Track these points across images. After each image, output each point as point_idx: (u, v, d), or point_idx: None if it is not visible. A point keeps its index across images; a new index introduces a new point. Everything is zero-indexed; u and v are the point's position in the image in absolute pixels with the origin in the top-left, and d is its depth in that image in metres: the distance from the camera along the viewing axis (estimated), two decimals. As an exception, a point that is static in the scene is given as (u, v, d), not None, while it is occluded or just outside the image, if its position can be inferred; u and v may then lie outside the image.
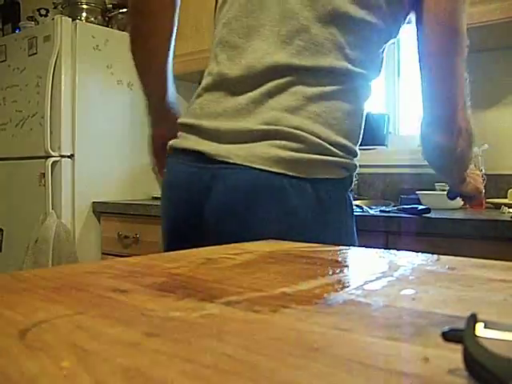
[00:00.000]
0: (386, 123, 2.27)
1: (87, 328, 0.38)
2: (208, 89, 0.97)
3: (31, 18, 2.83)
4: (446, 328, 0.31)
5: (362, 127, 1.00)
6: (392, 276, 0.58)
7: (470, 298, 0.48)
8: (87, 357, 0.32)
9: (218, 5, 1.09)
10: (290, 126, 0.88)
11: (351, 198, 1.03)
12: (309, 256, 0.73)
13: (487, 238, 1.37)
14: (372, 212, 1.57)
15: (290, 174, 0.87)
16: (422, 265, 0.66)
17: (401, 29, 1.12)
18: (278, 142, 0.87)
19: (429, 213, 1.49)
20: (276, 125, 0.87)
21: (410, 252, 0.76)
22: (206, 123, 0.93)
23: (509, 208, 1.56)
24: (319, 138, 0.90)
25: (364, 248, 0.83)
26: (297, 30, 0.91)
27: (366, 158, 2.24)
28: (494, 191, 1.95)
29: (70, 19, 2.36)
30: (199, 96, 0.99)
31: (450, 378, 0.29)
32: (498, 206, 1.68)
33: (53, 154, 2.26)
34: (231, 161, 0.87)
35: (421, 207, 1.52)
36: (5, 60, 2.59)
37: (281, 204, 0.87)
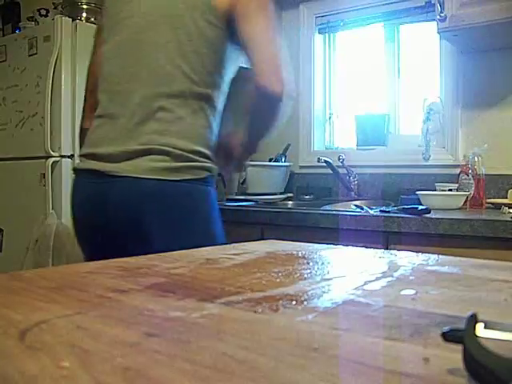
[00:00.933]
0: (386, 123, 2.28)
1: (87, 328, 0.38)
2: (98, 125, 1.30)
3: (31, 18, 2.83)
4: (446, 328, 0.31)
5: (214, 137, 1.30)
6: (392, 276, 0.58)
7: (470, 298, 0.48)
8: (87, 357, 0.32)
9: (99, 41, 1.40)
10: (159, 144, 1.20)
11: (213, 193, 1.29)
12: (309, 256, 0.73)
13: (487, 238, 1.37)
14: (372, 212, 1.57)
15: (164, 178, 1.18)
16: (422, 265, 0.66)
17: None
18: (152, 156, 1.20)
19: (429, 213, 1.49)
20: (149, 144, 1.20)
21: (410, 252, 0.76)
22: (100, 150, 1.25)
23: (509, 208, 1.56)
24: (181, 150, 1.21)
25: (364, 248, 0.83)
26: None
27: (365, 158, 2.25)
28: (494, 191, 1.96)
29: (70, 19, 2.36)
30: (92, 132, 1.31)
31: (450, 378, 0.29)
32: (497, 206, 1.68)
33: (53, 153, 2.26)
34: (122, 174, 1.19)
35: (421, 207, 1.52)
36: (5, 60, 2.58)
37: (160, 200, 1.19)
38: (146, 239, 1.17)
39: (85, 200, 1.27)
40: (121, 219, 1.19)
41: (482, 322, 0.31)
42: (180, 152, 1.20)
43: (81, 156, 1.32)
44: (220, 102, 1.32)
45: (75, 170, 1.33)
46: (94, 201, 1.23)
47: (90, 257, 1.27)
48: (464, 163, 1.86)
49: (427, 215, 1.48)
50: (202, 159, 1.24)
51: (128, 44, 1.29)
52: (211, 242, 1.09)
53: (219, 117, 1.33)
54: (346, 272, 0.63)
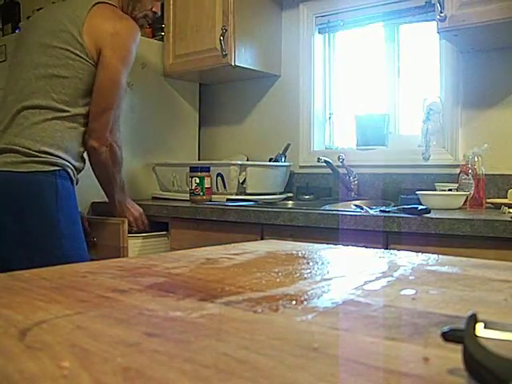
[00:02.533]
0: (386, 123, 2.27)
1: (87, 328, 0.38)
2: None
3: (31, 18, 2.83)
4: (446, 328, 0.31)
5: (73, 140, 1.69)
6: (392, 276, 0.58)
7: (470, 297, 0.48)
8: (87, 357, 0.32)
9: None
10: (13, 144, 1.59)
11: (63, 184, 1.62)
12: (309, 256, 0.73)
13: (487, 238, 1.37)
14: (372, 212, 1.57)
15: (12, 170, 1.55)
16: (422, 265, 0.66)
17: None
18: (6, 154, 1.58)
19: (429, 213, 1.48)
20: (6, 145, 1.59)
21: (410, 252, 0.76)
22: None
23: (509, 208, 1.56)
24: (28, 148, 1.57)
25: (364, 248, 0.83)
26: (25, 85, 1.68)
27: (365, 158, 2.25)
28: (493, 191, 1.95)
29: (70, 19, 2.36)
30: None
31: (450, 378, 0.29)
32: (497, 206, 1.68)
33: (53, 154, 2.27)
34: None
35: (421, 207, 1.52)
36: (5, 60, 2.58)
37: (8, 187, 1.56)
38: None
39: None
40: None
41: (482, 321, 0.31)
42: (28, 150, 1.57)
43: None
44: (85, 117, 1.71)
45: None
46: None
47: None
48: (464, 163, 1.86)
49: (427, 215, 1.47)
50: (48, 156, 1.59)
51: (16, 64, 1.74)
52: (48, 224, 1.56)
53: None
54: (346, 272, 0.63)
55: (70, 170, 1.64)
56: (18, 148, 1.57)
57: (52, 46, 1.66)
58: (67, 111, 1.65)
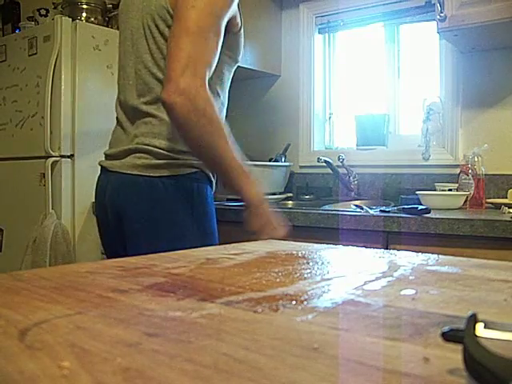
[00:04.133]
0: (386, 123, 2.27)
1: (87, 328, 0.38)
2: (114, 130, 1.49)
3: (31, 18, 2.82)
4: (446, 328, 0.31)
5: None
6: (392, 276, 0.58)
7: (470, 297, 0.48)
8: (87, 357, 0.32)
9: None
10: (143, 144, 1.34)
11: (199, 188, 1.37)
12: (308, 256, 0.73)
13: (487, 238, 1.37)
14: (372, 212, 1.57)
15: (144, 174, 1.33)
16: (422, 265, 0.66)
17: None
18: (136, 154, 1.35)
19: (429, 213, 1.49)
20: (136, 145, 1.35)
21: (410, 252, 0.76)
22: (109, 151, 1.45)
23: (509, 208, 1.56)
24: (161, 149, 1.33)
25: (364, 248, 0.83)
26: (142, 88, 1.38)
27: (365, 158, 2.25)
28: (493, 191, 1.95)
29: (70, 19, 2.36)
30: (111, 135, 1.51)
31: (450, 377, 0.29)
32: (498, 206, 1.68)
33: (53, 153, 2.26)
34: (114, 169, 1.39)
35: (421, 207, 1.52)
36: (5, 60, 2.58)
37: (140, 193, 1.34)
38: (128, 223, 1.35)
39: (98, 186, 1.49)
40: (111, 203, 1.40)
41: (482, 321, 0.31)
42: (160, 151, 1.32)
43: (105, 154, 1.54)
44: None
45: (100, 165, 1.53)
46: (100, 193, 1.46)
47: (99, 229, 1.52)
48: (464, 163, 1.86)
49: (427, 215, 1.47)
50: (182, 157, 1.34)
51: (122, 57, 1.45)
52: (180, 234, 1.32)
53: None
54: (346, 272, 0.63)
55: (202, 168, 1.38)
56: (149, 148, 1.32)
57: (146, 25, 1.34)
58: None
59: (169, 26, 1.29)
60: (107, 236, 1.47)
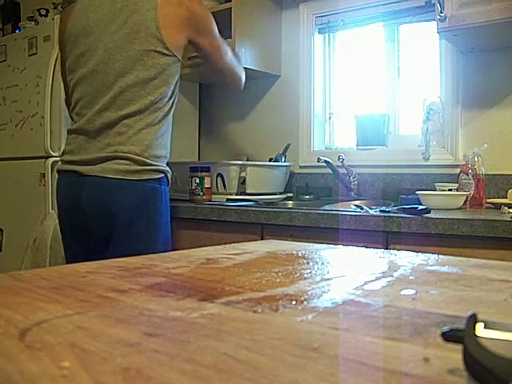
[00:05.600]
0: (386, 123, 2.27)
1: (87, 328, 0.38)
2: (73, 138, 1.70)
3: (31, 18, 2.82)
4: (446, 328, 0.31)
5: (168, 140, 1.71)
6: (392, 276, 0.58)
7: (470, 297, 0.48)
8: (87, 357, 0.32)
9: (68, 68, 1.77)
10: (122, 152, 1.58)
11: (165, 190, 1.67)
12: (308, 256, 0.73)
13: (487, 238, 1.37)
14: (372, 212, 1.57)
15: (127, 178, 1.58)
16: (422, 265, 0.66)
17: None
18: (116, 160, 1.58)
19: (429, 213, 1.48)
20: (114, 152, 1.59)
21: (410, 252, 0.76)
22: (76, 157, 1.66)
23: (509, 208, 1.56)
24: (139, 155, 1.59)
25: (364, 248, 0.83)
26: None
27: (365, 158, 2.25)
28: (493, 191, 1.95)
29: (70, 19, 2.36)
30: (68, 144, 1.73)
31: (450, 377, 0.29)
32: (497, 206, 1.68)
33: (53, 154, 2.26)
34: (92, 174, 1.60)
35: (421, 207, 1.52)
36: (5, 60, 2.58)
37: (126, 196, 1.59)
38: (110, 219, 1.58)
39: (66, 190, 1.69)
40: (91, 206, 1.62)
41: (482, 321, 0.31)
42: (138, 157, 1.58)
43: (62, 161, 1.75)
44: (172, 108, 1.71)
45: (58, 171, 1.75)
46: (73, 196, 1.65)
47: (67, 236, 1.72)
48: (464, 163, 1.86)
49: (427, 215, 1.47)
50: (156, 163, 1.62)
51: (93, 74, 1.65)
52: (155, 230, 1.63)
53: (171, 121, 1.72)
54: (346, 272, 0.63)
55: (168, 175, 1.69)
56: (128, 155, 1.58)
57: (135, 50, 1.62)
58: (161, 108, 1.65)
59: (159, 53, 1.61)
60: (75, 237, 1.68)
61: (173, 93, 1.69)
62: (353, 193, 2.19)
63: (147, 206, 1.62)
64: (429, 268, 0.64)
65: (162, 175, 1.65)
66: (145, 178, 1.59)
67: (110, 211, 1.58)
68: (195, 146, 2.73)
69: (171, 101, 1.69)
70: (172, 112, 1.72)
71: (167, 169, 1.68)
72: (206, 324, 0.39)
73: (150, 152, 1.61)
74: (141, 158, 1.59)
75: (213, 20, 1.75)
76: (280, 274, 0.59)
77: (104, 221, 1.59)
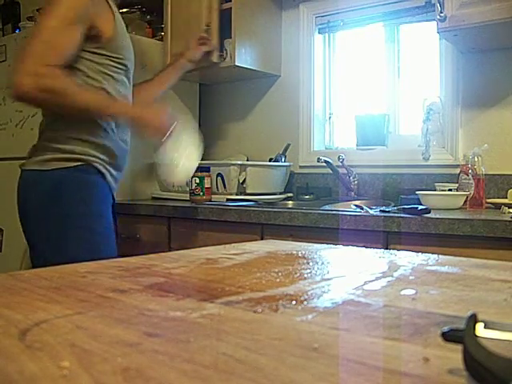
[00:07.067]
0: (386, 123, 2.27)
1: (87, 328, 0.38)
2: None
3: (31, 18, 2.82)
4: (446, 328, 0.31)
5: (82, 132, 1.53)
6: (392, 276, 0.58)
7: (470, 297, 0.48)
8: (87, 357, 0.32)
9: None
10: (42, 145, 1.52)
11: (86, 178, 1.51)
12: (308, 256, 0.73)
13: (487, 238, 1.37)
14: (372, 212, 1.57)
15: (37, 168, 1.51)
16: (422, 265, 0.66)
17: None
18: (36, 153, 1.53)
19: (429, 213, 1.48)
20: (35, 145, 1.56)
21: (410, 252, 0.76)
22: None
23: (509, 208, 1.56)
24: (51, 147, 1.50)
25: (364, 248, 0.83)
26: None
27: (366, 158, 2.25)
28: (493, 191, 1.95)
29: (70, 19, 2.36)
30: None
31: (450, 378, 0.29)
32: (498, 206, 1.68)
33: (53, 153, 2.26)
34: (22, 168, 1.60)
35: (421, 207, 1.52)
36: (5, 60, 2.58)
37: (35, 185, 1.55)
38: (25, 215, 1.58)
39: None
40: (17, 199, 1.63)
41: (482, 322, 0.31)
42: (52, 147, 1.49)
43: None
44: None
45: None
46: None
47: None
48: (464, 163, 1.86)
49: (427, 215, 1.47)
50: (72, 155, 1.49)
51: None
52: (64, 228, 1.46)
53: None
54: (346, 272, 0.63)
55: (92, 161, 1.51)
56: (47, 146, 1.51)
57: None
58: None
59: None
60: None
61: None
62: (353, 193, 2.19)
63: (54, 199, 1.48)
64: (429, 268, 0.64)
65: (78, 163, 1.48)
66: (54, 167, 1.47)
67: (18, 207, 1.59)
68: (195, 146, 2.73)
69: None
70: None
71: (87, 157, 1.50)
72: (206, 324, 0.39)
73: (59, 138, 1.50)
74: (51, 145, 1.50)
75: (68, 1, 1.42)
76: (280, 274, 0.59)
77: (20, 219, 1.59)
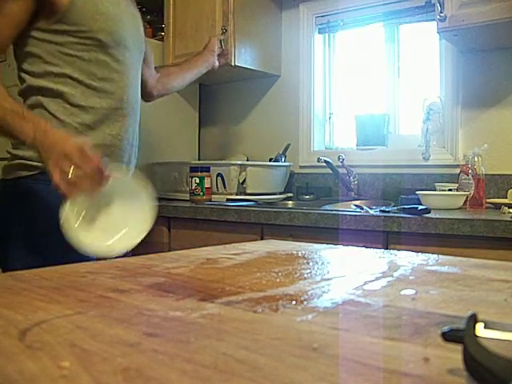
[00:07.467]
0: (386, 123, 2.27)
1: (87, 328, 0.38)
2: None
3: (31, 18, 2.83)
4: (446, 328, 0.31)
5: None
6: (392, 276, 0.58)
7: (470, 297, 0.48)
8: (87, 357, 0.32)
9: None
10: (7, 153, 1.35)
11: (40, 188, 1.27)
12: (308, 256, 0.73)
13: (487, 238, 1.37)
14: (372, 212, 1.57)
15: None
16: (422, 265, 0.66)
17: None
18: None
19: (429, 213, 1.48)
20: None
21: (410, 252, 0.76)
22: None
23: (509, 208, 1.56)
24: (14, 155, 1.32)
25: (364, 248, 0.83)
26: None
27: (365, 158, 2.24)
28: (493, 191, 1.95)
29: (70, 19, 2.36)
30: None
31: (450, 378, 0.29)
32: (498, 206, 1.68)
33: (53, 154, 2.26)
34: None
35: (421, 207, 1.52)
36: (5, 60, 2.58)
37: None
38: None
39: None
40: None
41: (482, 321, 0.31)
42: (11, 155, 1.33)
43: None
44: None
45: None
46: None
47: None
48: (464, 163, 1.86)
49: (427, 215, 1.47)
50: (23, 161, 1.29)
51: None
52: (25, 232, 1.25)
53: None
54: (346, 272, 0.63)
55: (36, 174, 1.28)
56: (8, 154, 1.37)
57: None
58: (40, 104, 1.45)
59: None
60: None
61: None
62: (353, 193, 2.19)
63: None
64: (429, 268, 0.64)
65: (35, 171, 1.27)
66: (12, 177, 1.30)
67: None
68: (195, 146, 2.73)
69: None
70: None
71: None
72: (206, 324, 0.39)
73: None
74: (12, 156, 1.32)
75: None
76: (280, 274, 0.59)
77: None
